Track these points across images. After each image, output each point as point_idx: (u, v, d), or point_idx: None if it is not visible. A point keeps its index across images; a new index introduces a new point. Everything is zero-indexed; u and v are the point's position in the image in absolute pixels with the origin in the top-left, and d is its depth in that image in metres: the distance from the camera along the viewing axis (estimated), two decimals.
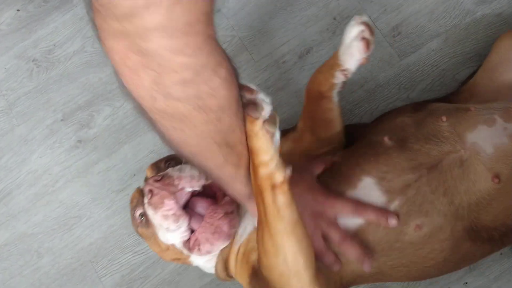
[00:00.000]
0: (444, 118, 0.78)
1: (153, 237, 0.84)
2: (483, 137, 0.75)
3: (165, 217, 0.78)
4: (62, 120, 1.15)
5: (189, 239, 0.82)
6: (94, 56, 1.16)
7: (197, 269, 1.07)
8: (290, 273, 0.69)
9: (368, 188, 0.77)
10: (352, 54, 0.82)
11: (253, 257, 0.79)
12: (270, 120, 0.63)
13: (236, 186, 0.70)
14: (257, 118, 0.61)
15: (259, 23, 1.14)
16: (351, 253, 0.75)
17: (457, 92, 0.95)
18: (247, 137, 0.63)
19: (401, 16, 1.11)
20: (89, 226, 1.11)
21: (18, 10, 1.22)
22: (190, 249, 0.82)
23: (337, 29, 1.12)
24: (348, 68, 0.84)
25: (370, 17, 1.11)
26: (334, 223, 0.76)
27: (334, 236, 0.75)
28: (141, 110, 0.56)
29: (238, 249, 0.83)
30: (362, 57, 0.82)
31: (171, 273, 1.08)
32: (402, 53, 1.10)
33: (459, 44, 1.09)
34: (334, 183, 0.79)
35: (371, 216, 0.74)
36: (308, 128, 0.91)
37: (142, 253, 1.09)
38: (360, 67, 1.08)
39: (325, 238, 0.76)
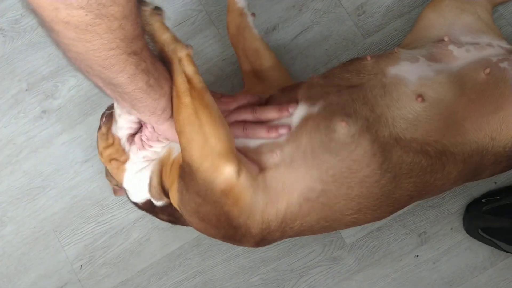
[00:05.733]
0: (368, 58, 0.87)
1: (106, 133, 0.91)
2: (405, 70, 0.83)
3: None
4: (26, 90, 1.15)
5: (134, 135, 0.89)
6: None
7: (159, 239, 1.09)
8: (207, 141, 0.74)
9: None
10: None
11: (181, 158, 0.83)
12: (156, 8, 0.75)
13: (148, 101, 0.72)
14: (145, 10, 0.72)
15: None
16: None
17: None
18: (144, 28, 0.71)
19: None
20: (53, 196, 1.12)
21: None
22: (131, 144, 0.89)
23: (303, 7, 1.13)
24: None
25: None
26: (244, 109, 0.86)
27: (247, 115, 0.85)
28: (44, 23, 0.57)
29: (172, 162, 0.86)
30: None
31: (133, 243, 1.10)
32: (366, 32, 1.11)
33: None
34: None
35: (272, 113, 0.84)
36: (249, 73, 1.00)
37: (105, 223, 1.10)
38: (326, 45, 1.11)
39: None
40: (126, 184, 0.92)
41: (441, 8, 0.97)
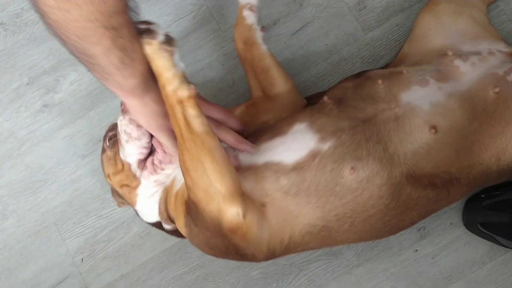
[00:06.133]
0: (380, 81, 0.84)
1: (113, 158, 0.90)
2: (417, 96, 0.81)
3: (131, 121, 0.84)
4: (28, 84, 1.15)
5: (145, 160, 0.88)
6: None
7: (160, 233, 1.10)
8: (211, 185, 0.73)
9: (299, 132, 0.82)
10: None
11: (186, 194, 0.82)
12: (168, 42, 0.71)
13: (119, 77, 0.71)
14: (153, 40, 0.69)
15: None
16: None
17: (391, 62, 1.02)
18: (150, 63, 0.71)
19: None
20: (54, 190, 1.12)
21: None
22: (143, 169, 0.88)
23: (304, 1, 1.13)
24: (248, 1, 0.96)
25: None
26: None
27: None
28: None
29: (177, 192, 0.86)
30: None
31: (134, 237, 1.10)
32: (366, 27, 1.11)
33: None
34: (266, 134, 0.84)
35: (230, 140, 0.82)
36: (257, 88, 0.96)
37: (106, 217, 1.11)
38: (326, 40, 1.11)
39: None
40: (138, 208, 0.93)
41: (438, 12, 0.96)
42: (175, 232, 0.94)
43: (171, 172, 0.89)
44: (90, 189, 1.12)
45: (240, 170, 0.80)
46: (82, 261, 1.11)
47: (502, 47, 0.93)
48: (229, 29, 1.13)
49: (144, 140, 0.86)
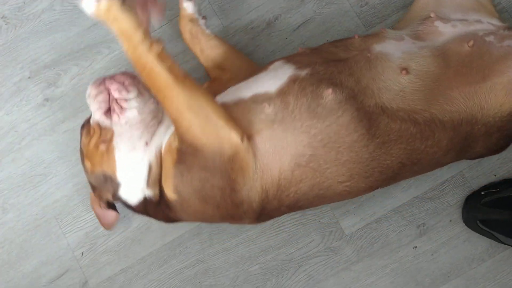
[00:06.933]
0: (356, 36, 0.92)
1: (86, 135, 0.93)
2: (390, 47, 0.87)
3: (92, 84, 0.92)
4: (29, 78, 1.15)
5: (108, 110, 0.91)
6: (62, 15, 1.16)
7: (160, 228, 1.10)
8: (209, 118, 0.80)
9: (277, 66, 0.89)
10: None
11: (174, 145, 0.85)
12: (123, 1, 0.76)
13: None
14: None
15: None
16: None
17: None
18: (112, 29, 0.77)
19: None
20: (55, 184, 1.12)
21: None
22: (112, 115, 0.90)
23: None
24: None
25: None
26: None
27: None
28: None
29: (161, 152, 0.89)
30: None
31: (134, 231, 1.11)
32: (368, 23, 1.11)
33: None
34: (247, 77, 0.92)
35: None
36: (212, 67, 1.04)
37: None
38: (327, 36, 1.11)
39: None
40: (120, 173, 0.91)
41: None
42: (159, 208, 0.92)
43: (137, 105, 0.90)
44: None
45: (226, 107, 0.84)
46: (82, 255, 1.11)
47: (495, 21, 0.94)
48: (230, 25, 1.13)
49: (102, 96, 0.90)
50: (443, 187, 1.07)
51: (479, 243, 1.05)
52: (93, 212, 1.11)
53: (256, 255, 1.09)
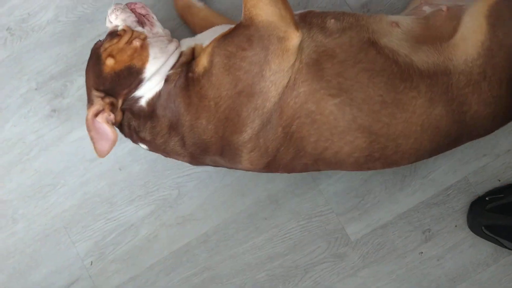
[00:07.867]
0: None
1: (109, 40, 0.96)
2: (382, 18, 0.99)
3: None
4: (36, 89, 1.16)
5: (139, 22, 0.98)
6: (67, 26, 1.17)
7: (167, 236, 1.11)
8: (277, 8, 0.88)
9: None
10: None
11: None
12: None
13: None
14: None
15: None
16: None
17: None
18: None
19: None
20: (63, 194, 1.14)
21: None
22: (143, 25, 0.97)
23: (308, 5, 1.13)
24: None
25: None
26: None
27: None
28: None
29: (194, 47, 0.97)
30: None
31: (142, 239, 1.12)
32: None
33: None
34: None
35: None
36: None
37: (114, 220, 1.13)
38: None
39: None
40: (149, 65, 0.93)
41: None
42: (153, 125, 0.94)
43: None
44: (99, 192, 1.14)
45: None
46: (91, 264, 1.12)
47: None
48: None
49: (129, 11, 0.98)
50: (448, 193, 1.07)
51: (484, 248, 1.06)
52: (101, 221, 1.13)
53: (263, 262, 1.10)
